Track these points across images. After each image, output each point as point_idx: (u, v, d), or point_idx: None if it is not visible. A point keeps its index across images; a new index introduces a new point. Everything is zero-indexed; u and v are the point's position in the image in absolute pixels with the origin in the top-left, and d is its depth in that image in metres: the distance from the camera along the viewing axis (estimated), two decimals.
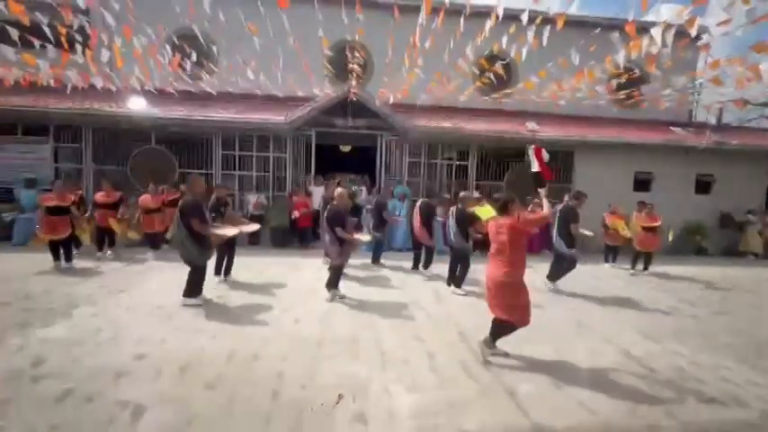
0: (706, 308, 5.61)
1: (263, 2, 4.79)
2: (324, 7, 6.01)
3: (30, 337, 3.69)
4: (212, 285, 5.73)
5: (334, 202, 5.23)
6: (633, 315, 5.10)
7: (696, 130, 11.26)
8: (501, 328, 3.54)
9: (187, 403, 2.71)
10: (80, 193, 7.48)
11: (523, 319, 3.44)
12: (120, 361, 3.27)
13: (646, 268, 7.64)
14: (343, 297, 5.21)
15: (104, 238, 7.24)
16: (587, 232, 6.28)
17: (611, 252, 8.33)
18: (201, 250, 4.71)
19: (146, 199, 7.49)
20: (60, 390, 2.81)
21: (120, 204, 7.35)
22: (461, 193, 6.06)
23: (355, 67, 8.00)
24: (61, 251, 6.31)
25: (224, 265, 5.89)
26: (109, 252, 7.25)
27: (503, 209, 3.52)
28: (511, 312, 3.42)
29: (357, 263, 7.19)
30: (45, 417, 2.51)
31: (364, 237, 5.77)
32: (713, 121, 13.71)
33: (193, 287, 4.76)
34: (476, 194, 9.35)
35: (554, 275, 6.15)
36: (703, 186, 10.99)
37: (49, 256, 6.27)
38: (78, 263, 6.55)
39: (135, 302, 4.78)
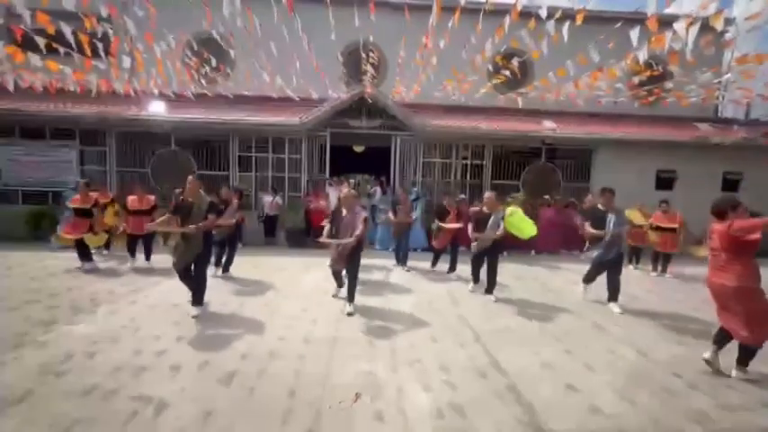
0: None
1: (279, 5, 4.85)
2: (337, 9, 6.04)
3: (55, 333, 3.82)
4: (225, 285, 5.85)
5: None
6: (655, 317, 4.94)
7: (723, 127, 10.86)
8: (746, 351, 3.26)
9: (206, 399, 2.76)
10: (111, 195, 7.40)
11: (757, 336, 3.11)
12: (140, 357, 3.36)
13: (664, 270, 7.40)
14: (345, 310, 4.71)
15: (136, 246, 6.79)
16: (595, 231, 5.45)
17: (635, 253, 8.10)
18: (174, 253, 4.45)
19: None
20: (84, 384, 2.89)
21: (155, 210, 6.80)
22: (485, 194, 5.66)
23: (369, 67, 8.02)
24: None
25: (223, 261, 6.26)
26: (146, 262, 6.78)
27: (718, 213, 3.31)
28: (747, 324, 3.13)
29: (376, 264, 7.20)
30: (70, 411, 2.58)
31: (341, 240, 4.63)
32: (741, 116, 13.19)
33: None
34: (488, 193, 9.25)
35: (588, 278, 5.54)
36: (731, 185, 10.56)
37: (74, 255, 6.50)
38: (105, 263, 6.76)
39: (155, 301, 4.91)
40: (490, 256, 5.48)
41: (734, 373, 3.35)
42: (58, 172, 9.34)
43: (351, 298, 4.74)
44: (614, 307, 5.11)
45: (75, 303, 4.71)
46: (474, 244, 5.54)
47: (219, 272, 6.23)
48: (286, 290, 5.60)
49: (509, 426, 2.60)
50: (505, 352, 3.73)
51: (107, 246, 7.34)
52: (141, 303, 4.81)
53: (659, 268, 7.45)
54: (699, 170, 10.30)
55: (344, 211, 4.73)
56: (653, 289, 6.48)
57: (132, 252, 6.82)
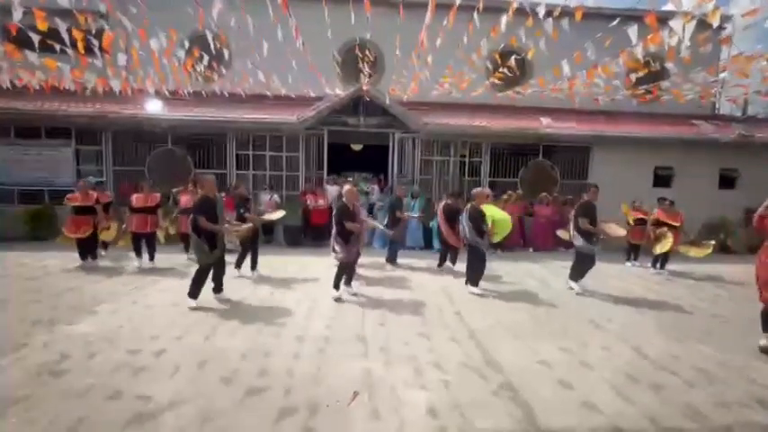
0: (730, 307, 5.42)
1: (274, 4, 4.82)
2: (334, 6, 6.01)
3: (56, 333, 3.82)
4: (226, 282, 5.84)
5: (343, 199, 5.32)
6: (653, 314, 4.97)
7: (720, 123, 10.88)
8: None
9: (205, 399, 2.77)
10: (108, 194, 7.27)
11: None
12: (139, 357, 3.36)
13: (662, 267, 7.41)
14: (354, 294, 5.27)
15: (141, 245, 6.60)
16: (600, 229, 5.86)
17: (633, 250, 8.12)
18: (202, 251, 4.65)
19: (187, 199, 7.10)
20: (84, 384, 2.90)
21: (160, 208, 6.79)
22: (474, 190, 5.94)
23: (366, 65, 7.99)
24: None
25: (246, 259, 6.31)
26: (150, 262, 6.66)
27: None
28: None
29: (371, 262, 7.21)
30: (70, 411, 2.59)
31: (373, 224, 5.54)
32: (738, 113, 13.22)
33: (192, 286, 4.70)
34: (487, 190, 9.26)
35: (576, 274, 5.85)
36: (728, 181, 10.60)
37: (73, 254, 6.50)
38: (103, 262, 6.74)
39: (154, 301, 4.90)
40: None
41: None
42: (54, 171, 9.29)
43: (349, 282, 5.38)
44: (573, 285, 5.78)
45: (74, 303, 4.70)
46: (485, 240, 5.65)
47: (240, 271, 6.29)
48: (283, 288, 5.60)
49: (505, 423, 2.61)
50: (502, 349, 3.75)
51: (104, 246, 7.32)
52: (141, 303, 4.81)
53: (658, 265, 7.45)
54: (696, 167, 10.32)
55: (351, 206, 5.14)
56: (650, 286, 6.51)
57: (138, 251, 6.59)
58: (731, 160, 10.44)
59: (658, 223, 7.43)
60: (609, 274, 7.16)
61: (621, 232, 6.60)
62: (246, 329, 4.04)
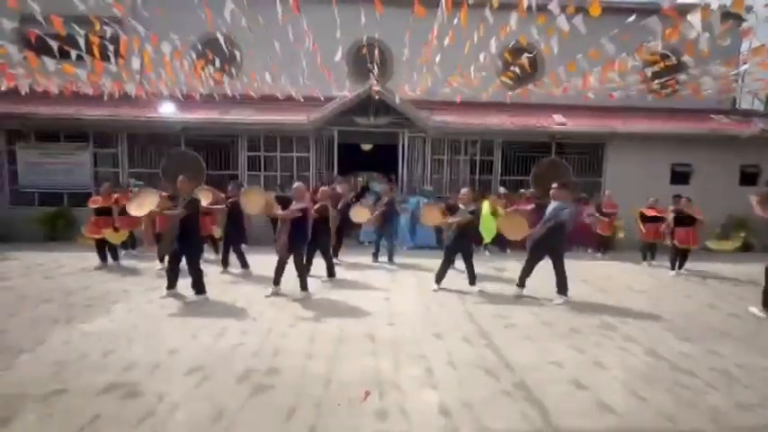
0: (750, 307, 5.24)
1: (285, 5, 4.85)
2: (343, 6, 6.02)
3: (72, 331, 3.91)
4: (232, 283, 5.90)
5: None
6: (668, 314, 4.84)
7: (740, 118, 10.55)
8: None
9: (218, 397, 2.79)
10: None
11: None
12: (153, 355, 3.41)
13: (681, 266, 7.17)
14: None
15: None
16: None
17: (649, 250, 7.92)
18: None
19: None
20: (101, 382, 2.95)
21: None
22: (462, 190, 5.87)
23: (375, 65, 7.98)
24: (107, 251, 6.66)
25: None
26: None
27: None
28: None
29: (369, 261, 7.20)
30: (85, 408, 2.64)
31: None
32: (760, 107, 12.79)
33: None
34: (501, 190, 9.19)
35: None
36: (749, 178, 10.27)
37: (90, 255, 6.65)
38: (125, 262, 6.88)
39: (168, 300, 4.98)
40: (461, 248, 5.55)
41: None
42: (72, 174, 9.53)
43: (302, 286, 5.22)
44: (558, 299, 5.19)
45: (90, 302, 4.81)
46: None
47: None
48: (292, 288, 5.62)
49: (518, 423, 2.57)
50: (513, 349, 3.70)
51: (133, 245, 7.44)
52: (155, 302, 4.89)
53: (677, 265, 7.19)
54: (715, 164, 10.02)
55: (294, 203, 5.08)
56: (666, 285, 6.35)
57: (162, 257, 6.12)
58: (752, 156, 10.12)
59: (681, 216, 7.11)
60: (624, 273, 7.01)
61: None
62: (257, 328, 4.07)
